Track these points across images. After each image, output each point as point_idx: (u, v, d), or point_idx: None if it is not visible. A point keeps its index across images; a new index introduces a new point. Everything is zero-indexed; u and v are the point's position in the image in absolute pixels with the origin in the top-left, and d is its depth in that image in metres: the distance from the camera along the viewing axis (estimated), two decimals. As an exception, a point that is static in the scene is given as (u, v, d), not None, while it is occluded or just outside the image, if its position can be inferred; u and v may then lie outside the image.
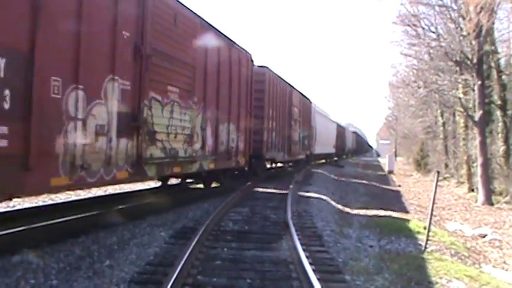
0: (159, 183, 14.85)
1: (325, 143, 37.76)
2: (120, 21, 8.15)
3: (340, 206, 15.47)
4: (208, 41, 12.21)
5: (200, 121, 11.97)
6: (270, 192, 16.22)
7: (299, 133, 26.14)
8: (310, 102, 30.29)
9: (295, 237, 8.27)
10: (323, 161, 40.47)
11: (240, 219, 10.89)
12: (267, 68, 18.77)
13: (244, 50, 15.52)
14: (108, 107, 7.90)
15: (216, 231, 9.35)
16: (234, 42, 14.51)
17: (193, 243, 7.47)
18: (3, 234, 7.27)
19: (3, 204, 10.96)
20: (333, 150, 43.87)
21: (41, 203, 11.17)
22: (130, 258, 7.09)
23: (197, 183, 15.84)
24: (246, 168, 17.08)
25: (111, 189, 13.70)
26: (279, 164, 24.87)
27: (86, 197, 12.43)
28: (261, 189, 16.78)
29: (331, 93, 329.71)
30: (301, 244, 7.85)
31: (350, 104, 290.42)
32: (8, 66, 5.81)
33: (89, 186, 8.76)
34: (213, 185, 15.41)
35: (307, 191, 16.94)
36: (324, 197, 16.06)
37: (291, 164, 26.64)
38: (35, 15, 6.20)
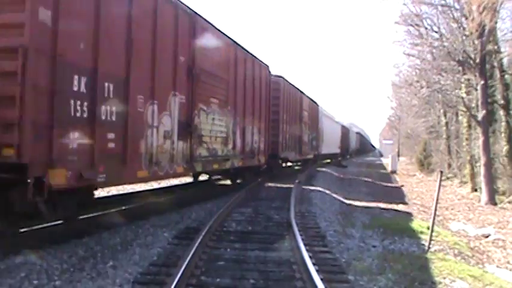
0: (190, 179, 17.03)
1: (331, 144, 39.63)
2: (178, 48, 10.51)
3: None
4: (238, 58, 14.76)
5: (232, 126, 14.38)
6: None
7: (308, 135, 28.38)
8: (318, 106, 32.43)
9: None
10: (328, 160, 41.74)
11: (246, 217, 10.90)
12: (282, 77, 21.36)
13: (264, 63, 17.95)
14: (171, 116, 10.26)
15: (219, 232, 9.37)
16: (256, 57, 16.84)
17: (197, 243, 7.48)
18: (5, 236, 7.28)
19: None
20: (338, 151, 45.79)
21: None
22: (134, 259, 7.10)
23: (224, 180, 18.20)
24: (265, 166, 19.33)
25: (114, 190, 13.71)
26: (289, 164, 26.16)
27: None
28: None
29: (334, 93, 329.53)
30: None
31: (353, 104, 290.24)
32: (113, 89, 7.92)
33: (160, 178, 11.69)
34: (238, 181, 17.65)
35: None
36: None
37: (299, 163, 28.49)
38: (129, 49, 8.39)
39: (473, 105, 22.96)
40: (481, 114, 20.71)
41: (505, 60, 22.02)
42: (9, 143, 6.23)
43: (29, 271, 6.16)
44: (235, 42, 14.46)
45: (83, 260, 6.91)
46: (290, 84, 23.23)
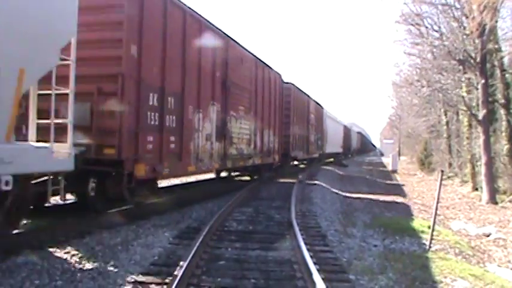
0: (213, 175, 18.90)
1: (334, 144, 42.22)
2: (215, 66, 13.03)
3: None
4: (258, 70, 17.23)
5: (253, 128, 16.90)
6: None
7: (314, 135, 30.77)
8: (322, 108, 35.13)
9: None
10: (331, 159, 43.26)
11: (247, 216, 10.91)
12: (292, 84, 23.80)
13: (277, 72, 20.48)
14: (211, 122, 12.73)
15: (220, 231, 9.37)
16: (271, 68, 19.34)
17: (198, 243, 7.48)
18: (6, 236, 7.29)
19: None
20: (340, 150, 48.52)
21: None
22: (135, 259, 7.10)
23: (243, 176, 20.24)
24: (278, 164, 21.70)
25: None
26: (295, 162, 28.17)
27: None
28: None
29: (335, 92, 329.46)
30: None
31: (354, 103, 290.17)
32: (173, 102, 10.43)
33: (203, 172, 14.20)
34: (255, 176, 19.70)
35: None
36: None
37: (305, 161, 30.74)
38: (183, 70, 10.93)
39: (473, 104, 22.95)
40: (481, 113, 20.70)
41: (505, 59, 22.00)
42: (111, 145, 8.60)
43: (30, 271, 6.16)
44: (255, 56, 17.01)
45: (84, 260, 6.90)
46: (299, 89, 25.63)
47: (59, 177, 7.25)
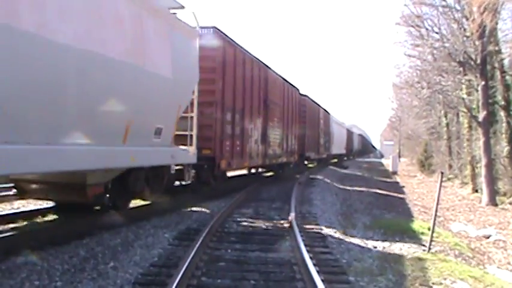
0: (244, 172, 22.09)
1: (339, 145, 46.69)
2: (260, 89, 17.56)
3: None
4: (284, 88, 21.88)
5: (282, 134, 21.39)
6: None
7: (323, 138, 35.11)
8: (329, 114, 39.41)
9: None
10: (335, 160, 46.56)
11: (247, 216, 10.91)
12: (307, 96, 28.87)
13: (296, 87, 25.06)
14: (257, 130, 17.28)
15: (220, 232, 9.38)
16: (293, 85, 24.15)
17: (197, 244, 7.48)
18: (6, 236, 7.31)
19: (8, 206, 11.02)
20: (344, 151, 52.93)
21: (45, 205, 11.19)
22: (135, 260, 7.11)
23: (268, 172, 24.16)
24: (296, 162, 26.16)
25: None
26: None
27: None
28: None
29: (335, 94, 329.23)
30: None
31: (354, 105, 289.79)
32: (238, 117, 14.96)
33: (253, 167, 19.90)
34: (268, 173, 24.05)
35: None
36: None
37: (315, 162, 34.91)
38: (244, 94, 15.54)
39: (474, 106, 22.97)
40: (481, 115, 20.72)
41: (505, 61, 22.01)
42: (208, 147, 12.83)
43: (30, 272, 6.17)
44: (283, 78, 21.81)
45: (84, 261, 6.91)
46: (312, 100, 30.77)
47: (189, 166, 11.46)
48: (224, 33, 13.88)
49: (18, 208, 10.76)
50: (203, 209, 12.12)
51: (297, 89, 25.27)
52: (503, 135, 21.72)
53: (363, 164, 49.58)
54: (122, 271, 6.54)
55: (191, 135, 10.96)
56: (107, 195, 9.21)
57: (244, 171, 22.06)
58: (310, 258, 7.13)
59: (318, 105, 33.53)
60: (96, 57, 6.94)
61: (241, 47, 15.36)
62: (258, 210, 12.61)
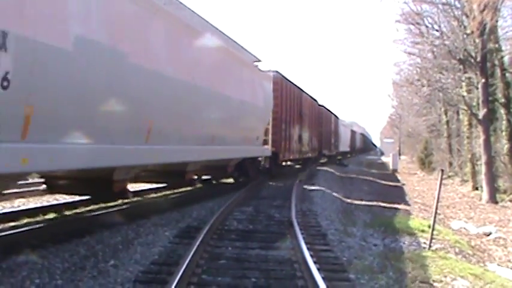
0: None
1: (344, 144, 53.88)
2: (296, 105, 24.26)
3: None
4: (312, 102, 30.02)
5: (309, 135, 28.37)
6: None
7: (333, 138, 42.73)
8: (337, 118, 46.75)
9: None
10: (339, 157, 51.91)
11: (246, 215, 10.91)
12: (323, 106, 36.26)
13: (315, 99, 31.78)
14: (296, 134, 24.20)
15: (220, 230, 9.38)
16: (314, 99, 31.41)
17: (198, 242, 7.48)
18: (6, 235, 7.32)
19: (8, 204, 11.03)
20: (348, 149, 59.84)
21: (45, 203, 11.21)
22: (135, 258, 7.11)
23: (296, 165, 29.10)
24: (317, 157, 33.91)
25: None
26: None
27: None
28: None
29: (335, 91, 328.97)
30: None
31: (354, 102, 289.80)
32: (287, 126, 22.31)
33: (294, 160, 25.91)
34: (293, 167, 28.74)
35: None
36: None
37: (326, 158, 40.58)
38: (289, 109, 23.03)
39: (474, 103, 22.94)
40: (482, 112, 20.70)
41: (506, 59, 21.98)
42: (274, 146, 19.51)
43: (31, 270, 6.17)
44: (310, 96, 29.46)
45: (85, 259, 6.92)
46: (327, 109, 38.69)
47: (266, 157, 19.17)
48: (280, 73, 21.27)
49: (18, 206, 10.77)
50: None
51: (316, 101, 32.59)
52: (504, 133, 21.70)
53: (362, 164, 49.37)
54: (122, 269, 6.54)
55: (268, 139, 18.85)
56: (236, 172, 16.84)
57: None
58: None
59: (331, 112, 41.91)
60: (237, 101, 14.22)
61: (287, 79, 22.65)
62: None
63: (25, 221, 9.00)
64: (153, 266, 6.81)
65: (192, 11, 10.66)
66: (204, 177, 16.27)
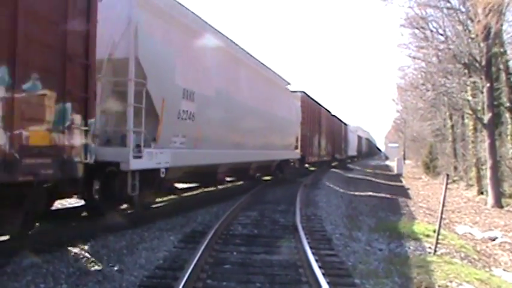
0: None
1: (352, 149, 57.92)
2: (315, 116, 29.63)
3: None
4: (326, 113, 34.52)
5: (325, 142, 33.27)
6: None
7: (343, 144, 47.41)
8: (346, 125, 51.47)
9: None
10: (349, 160, 57.31)
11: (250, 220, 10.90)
12: (336, 116, 41.95)
13: (328, 110, 36.48)
14: (316, 141, 29.40)
15: (225, 235, 9.37)
16: (328, 110, 36.00)
17: (203, 247, 7.48)
18: (12, 239, 7.32)
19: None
20: (355, 153, 64.04)
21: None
22: (140, 263, 7.11)
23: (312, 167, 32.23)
24: (330, 160, 38.25)
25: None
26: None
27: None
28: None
29: (339, 95, 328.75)
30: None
31: (358, 106, 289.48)
32: (310, 135, 27.33)
33: (316, 162, 30.46)
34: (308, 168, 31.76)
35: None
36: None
37: (336, 162, 43.35)
38: (311, 121, 27.69)
39: (479, 108, 22.91)
40: (487, 117, 20.66)
41: (511, 63, 21.94)
42: (302, 150, 24.04)
43: (35, 274, 6.18)
44: (327, 109, 35.27)
45: (89, 264, 6.92)
46: (338, 118, 43.97)
47: (296, 159, 23.67)
48: (305, 93, 26.71)
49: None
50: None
51: (329, 111, 37.24)
52: (509, 137, 21.65)
53: (367, 167, 49.38)
54: (127, 274, 6.54)
55: (297, 145, 23.42)
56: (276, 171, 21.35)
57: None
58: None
59: (341, 120, 46.70)
60: (279, 117, 19.33)
61: (310, 97, 28.20)
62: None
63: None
64: (158, 270, 6.80)
65: (257, 59, 17.01)
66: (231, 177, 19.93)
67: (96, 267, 6.78)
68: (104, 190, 8.70)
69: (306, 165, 28.67)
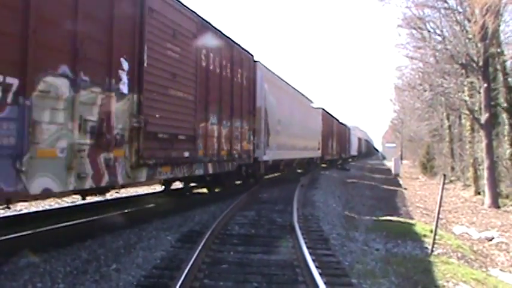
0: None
1: (354, 149, 64.85)
2: (330, 126, 38.42)
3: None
4: (336, 122, 44.48)
5: (336, 144, 41.73)
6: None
7: (347, 145, 54.21)
8: (349, 128, 58.06)
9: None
10: (350, 159, 62.79)
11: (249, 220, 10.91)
12: (344, 124, 51.51)
13: (336, 118, 44.69)
14: (330, 142, 38.36)
15: (222, 235, 9.37)
16: (337, 119, 44.96)
17: (200, 246, 7.48)
18: (8, 239, 7.32)
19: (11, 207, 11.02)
20: (356, 153, 70.38)
21: (47, 207, 11.22)
22: (137, 262, 7.11)
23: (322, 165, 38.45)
24: (337, 158, 45.12)
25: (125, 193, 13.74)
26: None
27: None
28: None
29: (336, 95, 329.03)
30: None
31: (355, 106, 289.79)
32: (326, 137, 36.71)
33: (331, 160, 40.64)
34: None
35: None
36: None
37: (340, 161, 49.05)
38: (326, 127, 35.87)
39: (476, 108, 22.95)
40: (484, 117, 20.70)
41: (508, 63, 22.02)
42: (322, 150, 33.17)
43: (32, 274, 6.18)
44: (336, 118, 43.17)
45: (86, 263, 6.92)
46: (344, 124, 52.09)
47: (318, 157, 32.15)
48: (324, 109, 34.71)
49: (20, 210, 10.78)
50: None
51: (338, 120, 45.29)
52: (506, 138, 21.71)
53: (364, 168, 49.45)
54: (124, 273, 6.54)
55: (319, 147, 30.74)
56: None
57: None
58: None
59: (345, 125, 54.02)
60: (310, 128, 28.97)
61: (327, 111, 36.54)
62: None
63: (27, 224, 9.00)
64: (155, 270, 6.80)
65: (295, 88, 25.18)
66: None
67: (93, 267, 6.77)
68: (247, 171, 16.18)
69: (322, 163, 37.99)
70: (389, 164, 51.23)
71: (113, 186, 8.20)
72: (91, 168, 7.11)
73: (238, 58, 14.32)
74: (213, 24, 12.05)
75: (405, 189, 27.47)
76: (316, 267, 6.76)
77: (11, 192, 5.78)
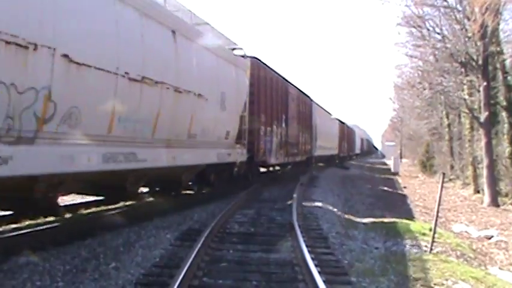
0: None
1: (357, 148, 73.58)
2: (341, 131, 48.72)
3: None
4: (347, 127, 55.77)
5: (347, 144, 53.13)
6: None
7: (352, 144, 61.33)
8: (355, 130, 66.88)
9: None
10: (354, 157, 69.03)
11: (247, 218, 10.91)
12: (351, 128, 62.38)
13: (345, 123, 54.06)
14: (344, 143, 50.84)
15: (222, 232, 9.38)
16: (346, 123, 54.73)
17: (199, 245, 7.48)
18: (7, 237, 7.33)
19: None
20: (359, 151, 79.17)
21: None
22: (136, 260, 7.11)
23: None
24: (346, 156, 54.73)
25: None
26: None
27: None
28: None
29: (336, 93, 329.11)
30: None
31: (355, 105, 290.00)
32: (343, 140, 50.98)
33: (342, 157, 51.07)
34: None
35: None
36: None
37: (348, 157, 58.15)
38: (344, 134, 51.92)
39: (475, 106, 22.92)
40: (483, 115, 20.69)
41: (507, 62, 21.95)
42: (337, 149, 45.36)
43: (32, 272, 6.18)
44: (347, 125, 55.86)
45: (86, 261, 6.92)
46: (350, 127, 59.68)
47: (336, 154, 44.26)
48: (338, 119, 46.41)
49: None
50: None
51: (347, 125, 53.44)
52: (505, 136, 21.67)
53: (364, 168, 49.53)
54: (123, 271, 6.54)
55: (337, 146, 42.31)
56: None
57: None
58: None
59: (351, 128, 60.90)
60: (331, 133, 42.89)
61: (340, 121, 47.27)
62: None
63: (27, 223, 9.00)
64: (155, 268, 6.80)
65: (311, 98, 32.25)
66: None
67: (93, 265, 6.77)
68: (309, 161, 27.71)
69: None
70: (389, 162, 51.31)
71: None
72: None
73: (304, 100, 27.02)
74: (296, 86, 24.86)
75: (404, 187, 27.47)
76: (316, 265, 6.77)
77: None
